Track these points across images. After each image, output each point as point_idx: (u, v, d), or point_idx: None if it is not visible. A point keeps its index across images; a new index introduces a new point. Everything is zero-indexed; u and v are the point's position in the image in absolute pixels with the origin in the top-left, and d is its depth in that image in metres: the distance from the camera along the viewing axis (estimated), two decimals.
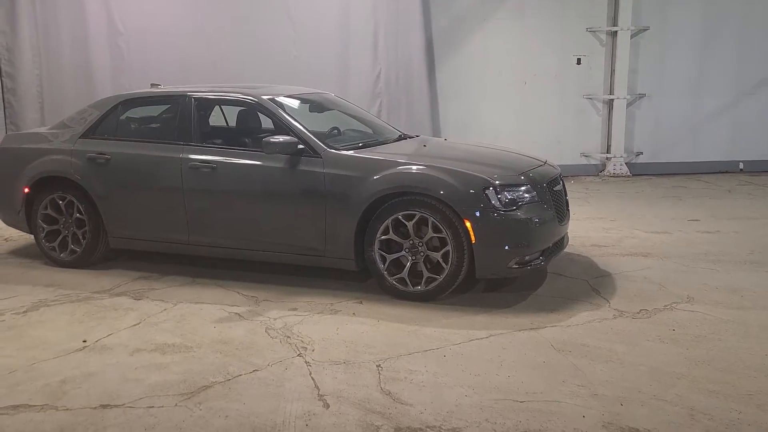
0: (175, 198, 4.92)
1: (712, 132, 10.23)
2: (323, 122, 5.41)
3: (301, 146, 4.58)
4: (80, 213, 5.22)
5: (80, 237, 5.25)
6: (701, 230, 6.40)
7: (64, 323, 4.15)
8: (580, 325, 3.97)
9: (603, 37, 10.01)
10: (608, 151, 10.26)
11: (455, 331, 3.89)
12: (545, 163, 4.89)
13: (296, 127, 4.70)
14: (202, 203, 4.88)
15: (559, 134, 10.17)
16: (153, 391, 3.22)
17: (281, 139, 4.51)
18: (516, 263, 4.25)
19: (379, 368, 3.42)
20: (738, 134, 10.26)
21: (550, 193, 4.53)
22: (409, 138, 5.45)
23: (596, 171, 10.32)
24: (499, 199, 4.20)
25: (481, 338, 3.79)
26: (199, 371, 3.43)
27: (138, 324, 4.12)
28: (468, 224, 4.16)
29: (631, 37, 9.89)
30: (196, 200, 4.88)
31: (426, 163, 4.41)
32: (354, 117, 5.72)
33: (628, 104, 10.09)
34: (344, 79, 9.17)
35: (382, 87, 9.28)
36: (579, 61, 10.08)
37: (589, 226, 6.55)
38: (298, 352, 3.63)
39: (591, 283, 4.75)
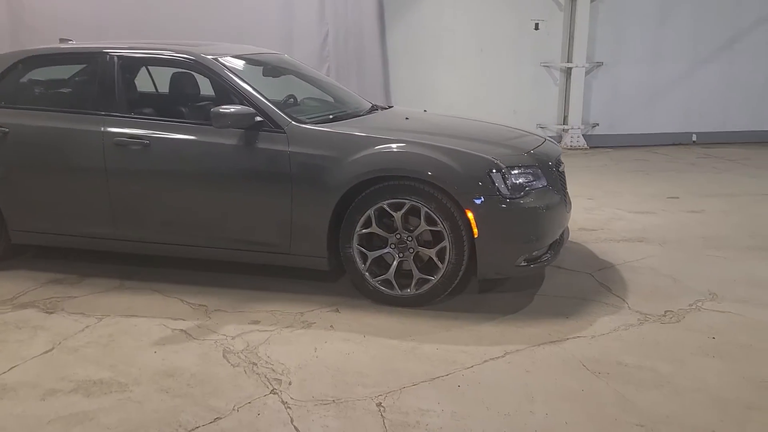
0: (95, 182, 3.93)
1: (667, 103, 9.91)
2: (278, 89, 4.51)
3: (259, 118, 3.68)
4: None
5: None
6: (686, 209, 5.93)
7: None
8: (606, 334, 3.33)
9: (562, 0, 9.41)
10: (565, 123, 9.77)
11: (462, 349, 3.16)
12: (545, 140, 4.20)
13: (251, 94, 3.79)
14: (132, 188, 3.92)
15: (515, 104, 9.56)
16: None
17: (233, 110, 3.60)
18: (525, 260, 3.56)
19: (381, 408, 2.66)
20: (691, 106, 9.97)
21: (558, 175, 3.86)
22: (383, 109, 4.62)
23: None
24: (506, 185, 3.47)
25: (497, 357, 3.08)
26: (139, 423, 2.55)
27: (51, 350, 3.17)
28: (470, 215, 3.42)
29: (591, 2, 9.33)
30: (124, 185, 3.91)
31: (416, 141, 3.61)
32: (315, 84, 4.82)
33: (586, 73, 9.59)
34: (287, 40, 8.16)
35: (330, 50, 8.34)
36: (537, 26, 9.45)
37: None
38: (272, 387, 2.81)
39: (596, 278, 4.14)
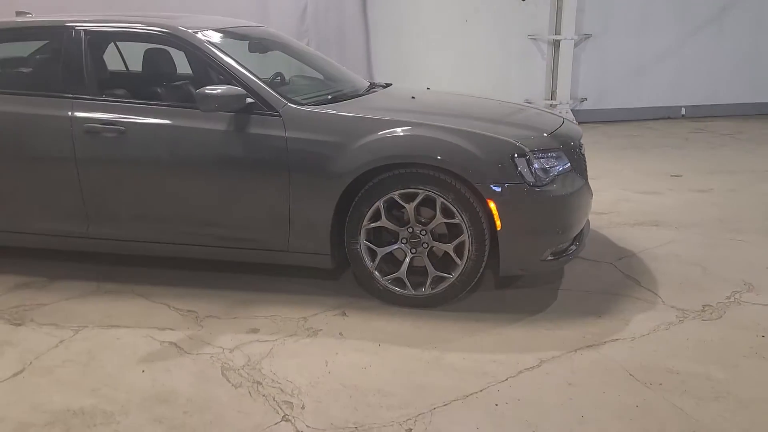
0: (64, 174, 3.47)
1: (656, 76, 9.64)
2: (263, 66, 4.06)
3: (250, 100, 3.25)
4: None
5: None
6: (693, 189, 5.67)
7: None
8: (646, 335, 3.02)
9: None
10: (553, 98, 9.44)
11: (492, 358, 2.82)
12: (564, 120, 3.85)
13: (241, 72, 3.35)
14: (106, 181, 3.47)
15: (502, 78, 9.19)
16: None
17: (221, 91, 3.16)
18: (551, 254, 3.22)
19: None
20: (680, 78, 9.73)
21: (581, 157, 3.52)
22: (382, 87, 4.21)
23: None
24: (530, 170, 3.11)
25: (532, 367, 2.75)
26: None
27: (21, 372, 2.75)
28: (492, 205, 3.06)
29: None
30: (97, 177, 3.46)
31: (430, 123, 3.22)
32: (306, 61, 4.37)
33: (574, 45, 9.25)
34: (263, 14, 7.62)
35: (310, 24, 7.84)
36: None
37: None
38: (283, 413, 2.44)
39: (620, 268, 3.83)
